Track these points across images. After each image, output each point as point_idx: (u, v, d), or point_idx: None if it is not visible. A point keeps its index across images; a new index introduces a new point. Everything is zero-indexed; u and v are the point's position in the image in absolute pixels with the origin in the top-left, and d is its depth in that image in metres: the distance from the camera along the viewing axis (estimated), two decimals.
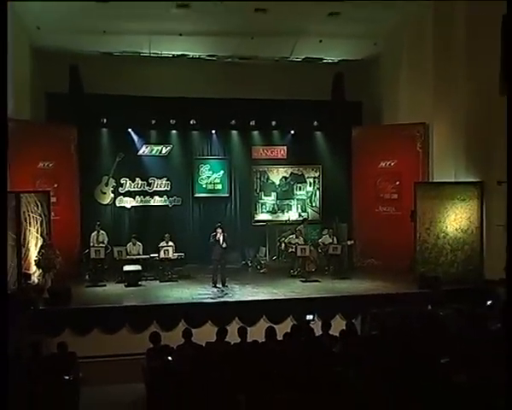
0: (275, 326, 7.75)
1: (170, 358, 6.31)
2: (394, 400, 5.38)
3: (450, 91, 12.01)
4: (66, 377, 5.69)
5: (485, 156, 10.97)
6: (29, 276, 10.72)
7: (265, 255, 14.33)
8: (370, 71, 15.31)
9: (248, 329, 7.74)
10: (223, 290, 11.34)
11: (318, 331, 7.79)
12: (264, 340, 7.18)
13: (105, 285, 11.91)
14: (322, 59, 15.11)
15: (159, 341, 7.11)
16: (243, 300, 10.59)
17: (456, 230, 11.61)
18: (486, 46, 9.91)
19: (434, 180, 12.87)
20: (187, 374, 5.91)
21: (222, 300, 10.64)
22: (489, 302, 8.28)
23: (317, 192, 15.57)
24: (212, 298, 10.74)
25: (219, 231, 11.79)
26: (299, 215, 15.35)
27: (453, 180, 11.98)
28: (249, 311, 9.91)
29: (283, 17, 12.52)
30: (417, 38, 13.14)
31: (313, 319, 8.50)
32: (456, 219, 11.62)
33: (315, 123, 14.99)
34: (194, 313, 9.78)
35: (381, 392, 5.49)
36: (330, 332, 7.69)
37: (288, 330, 7.65)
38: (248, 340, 7.23)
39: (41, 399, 5.53)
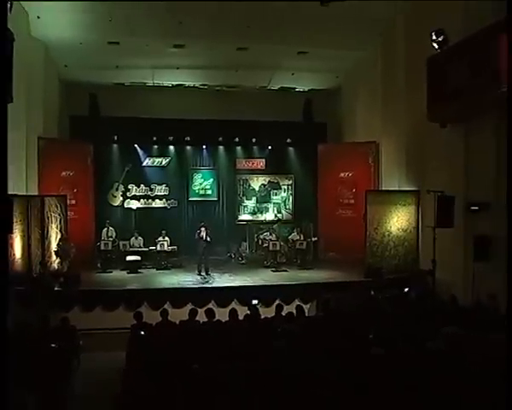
0: (243, 308, 7.77)
1: (142, 332, 6.41)
2: (320, 368, 5.50)
3: (394, 117, 12.12)
4: (53, 345, 5.76)
5: (420, 170, 11.05)
6: (50, 263, 10.89)
7: (246, 249, 14.36)
8: (334, 98, 15.52)
9: (222, 310, 7.75)
10: (205, 278, 11.35)
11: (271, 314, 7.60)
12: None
13: (111, 272, 12.02)
14: (295, 88, 15.30)
15: (141, 318, 7.09)
16: (219, 286, 10.60)
17: (398, 229, 11.64)
18: (420, 82, 10.02)
19: (383, 188, 12.98)
20: (157, 347, 6.02)
21: (202, 286, 10.68)
22: (406, 290, 8.34)
23: (290, 197, 15.64)
24: (194, 284, 10.80)
25: (203, 228, 11.81)
26: (275, 216, 15.44)
27: (396, 189, 12.07)
28: (223, 295, 9.88)
29: (261, 54, 12.78)
30: (370, 74, 13.33)
31: (258, 303, 8.53)
32: (398, 220, 11.65)
33: (288, 140, 15.14)
34: (178, 296, 9.80)
35: (311, 364, 5.61)
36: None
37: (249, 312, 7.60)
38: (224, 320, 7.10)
39: (42, 361, 5.66)
